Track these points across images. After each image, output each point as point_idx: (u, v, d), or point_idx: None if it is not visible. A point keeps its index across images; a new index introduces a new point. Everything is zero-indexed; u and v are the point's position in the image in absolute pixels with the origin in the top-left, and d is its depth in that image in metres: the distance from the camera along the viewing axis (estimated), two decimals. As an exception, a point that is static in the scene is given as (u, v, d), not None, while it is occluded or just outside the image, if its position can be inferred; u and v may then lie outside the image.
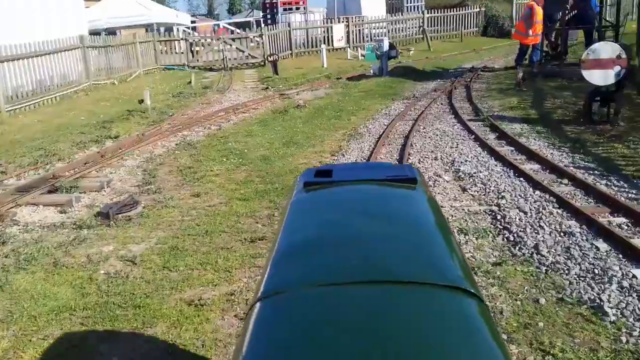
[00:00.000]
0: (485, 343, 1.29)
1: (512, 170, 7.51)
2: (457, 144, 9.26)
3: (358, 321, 1.30)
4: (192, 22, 43.93)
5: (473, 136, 9.65)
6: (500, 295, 4.47)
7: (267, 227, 6.30)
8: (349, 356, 1.19)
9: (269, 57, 20.13)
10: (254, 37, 24.64)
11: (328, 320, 1.32)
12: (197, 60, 24.69)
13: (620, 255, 4.86)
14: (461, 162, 8.15)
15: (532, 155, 8.20)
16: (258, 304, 1.42)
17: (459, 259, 1.65)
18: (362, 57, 24.62)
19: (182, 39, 24.40)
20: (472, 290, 1.43)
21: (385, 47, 18.33)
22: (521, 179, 7.13)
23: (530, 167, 7.68)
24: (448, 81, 16.72)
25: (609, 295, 4.26)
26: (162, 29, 34.20)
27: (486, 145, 8.94)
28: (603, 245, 5.07)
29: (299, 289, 1.47)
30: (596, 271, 4.65)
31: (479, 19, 29.96)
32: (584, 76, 9.98)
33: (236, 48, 24.28)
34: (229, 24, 38.29)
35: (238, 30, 28.67)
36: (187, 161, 9.47)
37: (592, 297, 4.28)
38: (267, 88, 18.31)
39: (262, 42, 24.22)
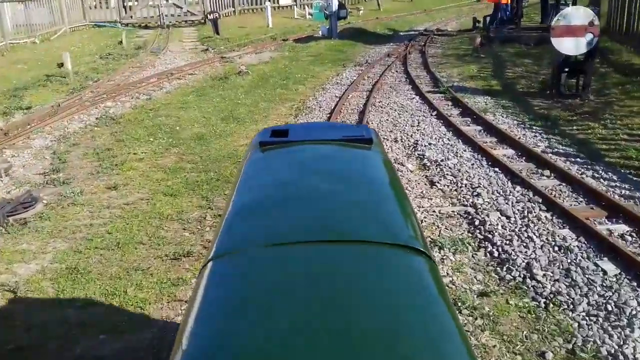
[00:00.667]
0: (434, 300, 1.29)
1: (484, 158, 6.44)
2: (419, 122, 8.13)
3: (309, 280, 1.29)
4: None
5: (435, 112, 8.53)
6: (494, 346, 3.41)
7: (197, 235, 5.03)
8: (298, 315, 1.17)
9: (208, 15, 18.38)
10: (192, -8, 22.61)
11: (279, 279, 1.31)
12: (131, 16, 22.51)
13: (635, 284, 3.87)
14: (425, 146, 7.03)
15: (503, 138, 7.16)
16: (210, 264, 1.39)
17: (410, 219, 1.65)
18: (310, 17, 23.06)
19: (113, -7, 22.14)
20: (422, 249, 1.43)
21: (335, 6, 16.89)
22: (496, 169, 6.06)
23: (503, 152, 6.64)
24: (401, 45, 15.51)
25: (634, 349, 3.26)
26: None
27: (451, 124, 7.84)
28: (610, 267, 4.07)
29: (251, 248, 1.44)
30: (609, 307, 3.64)
31: (429, -22, 28.68)
32: (553, 44, 8.96)
33: (173, 4, 22.22)
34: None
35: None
36: (106, 141, 7.98)
37: (613, 351, 3.27)
38: (207, 50, 16.63)
39: (203, -2, 22.24)
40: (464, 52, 13.80)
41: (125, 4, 22.55)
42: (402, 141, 7.39)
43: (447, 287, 1.49)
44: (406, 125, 8.02)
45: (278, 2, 24.71)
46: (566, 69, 9.12)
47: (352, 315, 1.16)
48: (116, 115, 9.32)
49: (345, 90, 10.27)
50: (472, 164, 6.30)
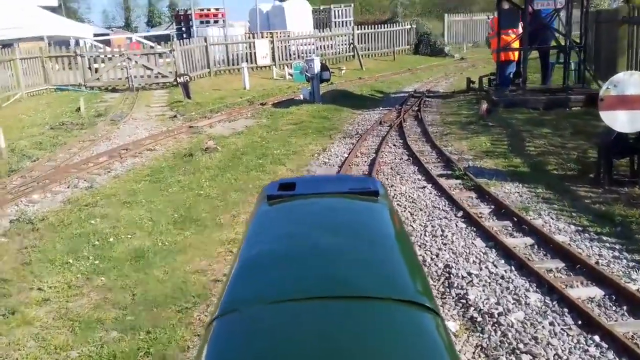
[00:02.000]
0: (441, 357, 1.24)
1: (566, 309, 4.05)
2: (442, 229, 5.79)
3: (314, 337, 1.26)
4: (106, 35, 39.00)
5: (460, 212, 6.22)
6: None
7: None
8: None
9: (178, 78, 16.24)
10: (163, 52, 20.51)
11: (284, 337, 1.27)
12: (97, 79, 20.25)
13: None
14: (463, 277, 4.66)
15: (572, 261, 4.81)
16: (214, 322, 1.37)
17: (418, 274, 1.62)
18: (290, 77, 21.08)
19: (77, 54, 19.89)
20: (430, 306, 1.39)
21: (317, 68, 14.82)
22: (596, 337, 3.69)
23: (587, 293, 4.28)
24: (393, 110, 13.38)
25: None
26: (73, 42, 29.36)
27: (489, 234, 5.50)
28: None
29: (255, 306, 1.40)
30: None
31: (410, 36, 27.15)
32: (603, 119, 6.82)
33: (143, 65, 20.06)
34: (146, 37, 33.69)
35: (152, 45, 24.37)
36: (6, 264, 5.49)
37: None
38: (175, 116, 14.34)
39: (175, 59, 20.12)
40: (467, 119, 11.69)
41: (91, 65, 20.32)
42: (425, 264, 5.02)
43: (450, 339, 1.27)
44: (426, 235, 5.67)
45: (256, 62, 22.75)
46: (618, 149, 6.97)
47: None
48: (37, 217, 6.83)
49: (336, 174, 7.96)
50: (552, 325, 3.88)
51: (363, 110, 13.80)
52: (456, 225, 5.85)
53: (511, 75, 14.12)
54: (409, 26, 26.98)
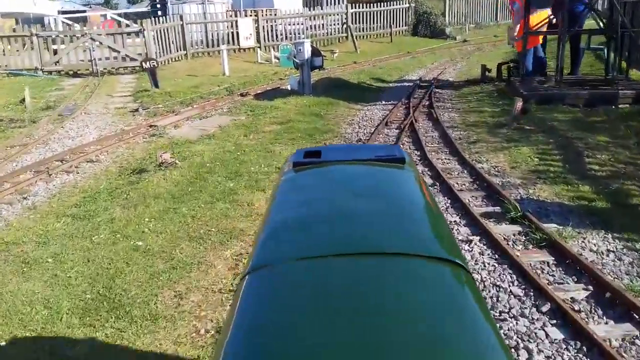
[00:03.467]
0: (472, 312, 1.22)
1: None
2: (524, 343, 3.39)
3: (345, 292, 1.23)
4: (82, 12, 35.78)
5: (545, 302, 3.77)
6: None
7: None
8: (335, 326, 1.11)
9: (144, 63, 13.59)
10: (131, 32, 17.74)
11: (315, 291, 1.25)
12: (56, 62, 17.48)
13: None
14: None
15: None
16: (247, 277, 1.35)
17: (445, 232, 1.61)
18: (276, 60, 18.44)
19: (33, 34, 17.05)
20: (458, 261, 1.36)
21: (307, 53, 12.24)
22: None
23: None
24: (399, 105, 10.87)
25: None
26: (49, 20, 26.40)
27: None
28: None
29: (286, 262, 1.39)
30: None
31: (408, 16, 24.50)
32: None
33: (108, 46, 17.31)
34: (125, 14, 30.58)
35: (128, 23, 21.51)
36: None
37: None
38: (137, 110, 11.74)
39: (146, 40, 17.37)
40: (494, 119, 9.23)
41: (49, 47, 17.53)
42: None
43: (479, 293, 1.27)
44: None
45: (238, 44, 20.04)
46: None
47: (390, 327, 1.11)
48: None
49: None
50: None
51: (363, 105, 11.28)
52: (550, 341, 3.41)
53: (543, 62, 11.69)
54: (407, 5, 24.30)
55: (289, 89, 12.21)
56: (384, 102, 11.42)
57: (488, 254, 4.48)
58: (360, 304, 1.18)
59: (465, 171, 6.67)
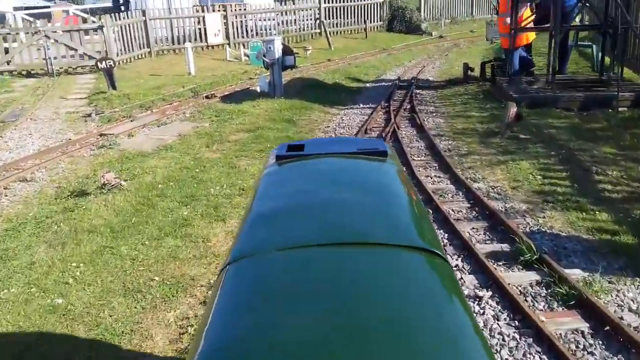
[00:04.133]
0: (449, 300, 1.23)
1: None
2: None
3: (325, 281, 1.22)
4: (46, 7, 33.80)
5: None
6: None
7: None
8: (314, 315, 1.11)
9: (99, 62, 12.27)
10: (90, 29, 16.31)
11: (296, 281, 1.24)
12: (8, 61, 15.96)
13: None
14: None
15: None
16: (227, 267, 1.33)
17: (425, 223, 1.60)
18: (246, 58, 17.21)
19: (-20, 30, 15.51)
20: (437, 251, 1.37)
21: (278, 51, 11.10)
22: None
23: None
24: (378, 108, 9.82)
25: None
26: (12, 16, 24.63)
27: None
28: None
29: (268, 252, 1.38)
30: None
31: (383, 11, 23.45)
32: None
33: (64, 44, 15.86)
34: (91, 10, 28.84)
35: (94, 19, 19.98)
36: None
37: None
38: (89, 115, 10.46)
39: (106, 37, 15.96)
40: (483, 125, 8.25)
41: (0, 44, 15.99)
42: None
43: (458, 283, 1.30)
44: None
45: (206, 41, 18.74)
46: None
47: (369, 314, 1.11)
48: None
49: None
50: None
51: (339, 109, 10.21)
52: None
53: (527, 61, 10.78)
54: (382, 0, 23.26)
55: (259, 90, 11.05)
56: (361, 105, 10.36)
57: (505, 319, 3.45)
58: (339, 293, 1.16)
59: (461, 193, 5.65)
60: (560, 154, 6.64)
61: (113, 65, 12.42)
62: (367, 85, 12.71)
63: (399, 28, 23.23)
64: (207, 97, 11.85)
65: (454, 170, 6.21)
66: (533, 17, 10.09)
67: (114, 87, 12.37)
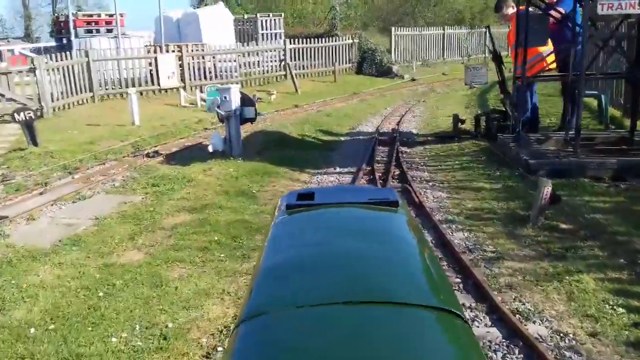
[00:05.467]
0: None
1: None
2: None
3: (339, 342, 1.16)
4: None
5: None
6: None
7: None
8: None
9: (16, 113, 9.82)
10: (20, 72, 13.81)
11: (311, 342, 1.17)
12: None
13: None
14: None
15: None
16: (240, 327, 1.29)
17: (441, 279, 1.52)
18: (203, 103, 14.94)
19: None
20: (455, 311, 1.29)
21: (235, 102, 8.90)
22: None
23: None
24: (360, 174, 7.60)
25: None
26: None
27: None
28: None
29: (280, 310, 1.31)
30: None
31: (352, 53, 21.71)
32: None
33: (-12, 90, 13.31)
34: (45, 48, 26.12)
35: (56, 60, 17.39)
36: None
37: None
38: (-7, 184, 7.96)
39: (38, 81, 13.48)
40: (499, 204, 6.13)
41: None
42: None
43: (477, 344, 1.23)
44: None
45: (159, 84, 16.44)
46: None
47: None
48: None
49: None
50: None
51: (310, 174, 8.00)
52: None
53: (535, 111, 8.88)
54: (351, 41, 21.53)
55: (211, 150, 8.76)
56: (338, 169, 8.18)
57: None
58: (357, 355, 1.11)
59: (515, 349, 3.44)
60: (629, 259, 4.54)
61: (33, 117, 9.94)
62: (342, 139, 10.60)
63: (369, 71, 21.49)
64: (148, 155, 9.51)
65: (490, 295, 4.02)
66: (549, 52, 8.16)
67: (35, 143, 9.89)
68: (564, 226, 5.34)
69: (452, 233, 5.37)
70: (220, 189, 7.21)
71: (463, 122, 10.31)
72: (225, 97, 8.86)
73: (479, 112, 10.38)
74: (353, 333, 1.17)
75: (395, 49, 22.66)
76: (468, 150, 8.84)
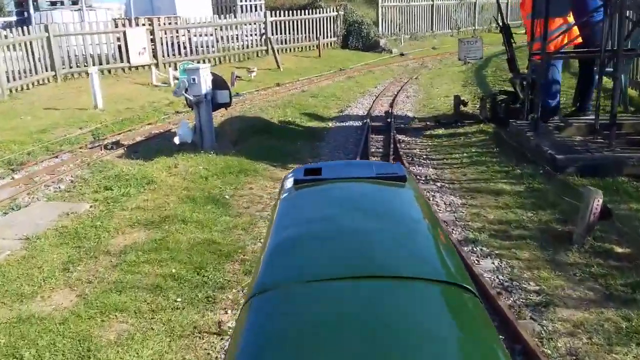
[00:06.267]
0: (479, 335, 1.14)
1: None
2: None
3: (349, 316, 1.13)
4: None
5: None
6: None
7: None
8: (340, 351, 1.03)
9: (-49, 100, 8.25)
10: (-34, 49, 12.09)
11: (322, 315, 1.15)
12: None
13: None
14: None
15: None
16: (250, 301, 1.25)
17: (450, 253, 1.45)
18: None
19: None
20: (465, 285, 1.24)
21: (205, 85, 7.44)
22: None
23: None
24: (353, 173, 6.35)
25: None
26: None
27: None
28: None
29: (290, 285, 1.28)
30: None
31: (337, 26, 20.08)
32: None
33: None
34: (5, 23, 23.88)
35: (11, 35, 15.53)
36: None
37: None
38: None
39: (-10, 59, 11.79)
40: (526, 212, 4.87)
41: None
42: None
43: (487, 317, 1.17)
44: None
45: (129, 61, 14.77)
46: None
47: (398, 352, 1.02)
48: None
49: None
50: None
51: (295, 167, 6.66)
52: None
53: (555, 92, 7.56)
54: (335, 13, 19.88)
55: (177, 142, 7.33)
56: (327, 160, 6.84)
57: None
58: (368, 330, 1.08)
59: None
60: None
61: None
62: (330, 125, 9.22)
63: (355, 45, 19.92)
64: (106, 146, 8.07)
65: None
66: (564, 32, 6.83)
67: (-27, 134, 8.37)
68: (619, 250, 4.10)
69: (478, 261, 4.10)
70: (185, 193, 5.83)
71: (465, 104, 9.00)
72: (193, 80, 7.39)
73: (482, 92, 9.05)
74: (362, 307, 1.15)
75: (382, 21, 21.05)
76: (476, 139, 7.54)
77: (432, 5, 22.60)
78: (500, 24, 8.13)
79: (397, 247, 1.40)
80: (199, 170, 6.56)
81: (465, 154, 6.89)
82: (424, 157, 6.95)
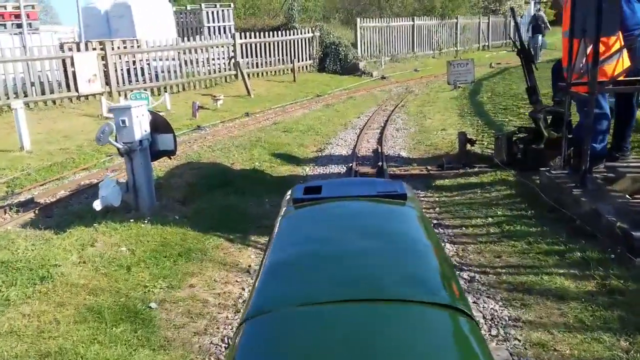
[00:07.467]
0: None
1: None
2: None
3: (345, 340, 1.09)
4: None
5: None
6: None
7: None
8: None
9: None
10: None
11: (316, 340, 1.10)
12: None
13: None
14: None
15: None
16: (245, 324, 1.20)
17: (449, 276, 1.40)
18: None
19: None
20: (464, 309, 1.20)
21: (139, 129, 5.45)
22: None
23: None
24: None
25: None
26: None
27: None
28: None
29: (285, 308, 1.22)
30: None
31: (313, 48, 18.30)
32: None
33: None
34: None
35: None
36: None
37: None
38: None
39: None
40: (620, 340, 3.00)
41: None
42: None
43: (485, 343, 1.12)
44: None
45: (77, 90, 12.65)
46: None
47: None
48: None
49: None
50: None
51: (260, 254, 4.65)
52: None
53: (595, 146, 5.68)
54: (311, 34, 18.11)
55: (98, 209, 5.25)
56: (303, 237, 4.88)
57: None
58: (362, 353, 1.03)
59: None
60: None
61: None
62: (307, 170, 7.25)
63: (333, 68, 18.17)
64: (13, 207, 5.96)
65: None
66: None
67: None
68: None
69: None
70: (90, 301, 3.78)
71: (473, 142, 7.15)
72: (123, 122, 5.37)
73: (484, 124, 7.24)
74: (359, 331, 1.10)
75: (361, 42, 19.34)
76: (497, 193, 5.65)
77: (413, 26, 21.06)
78: (519, 46, 6.32)
79: (394, 269, 1.34)
80: (121, 253, 4.51)
81: (490, 219, 4.99)
82: (435, 222, 5.03)
